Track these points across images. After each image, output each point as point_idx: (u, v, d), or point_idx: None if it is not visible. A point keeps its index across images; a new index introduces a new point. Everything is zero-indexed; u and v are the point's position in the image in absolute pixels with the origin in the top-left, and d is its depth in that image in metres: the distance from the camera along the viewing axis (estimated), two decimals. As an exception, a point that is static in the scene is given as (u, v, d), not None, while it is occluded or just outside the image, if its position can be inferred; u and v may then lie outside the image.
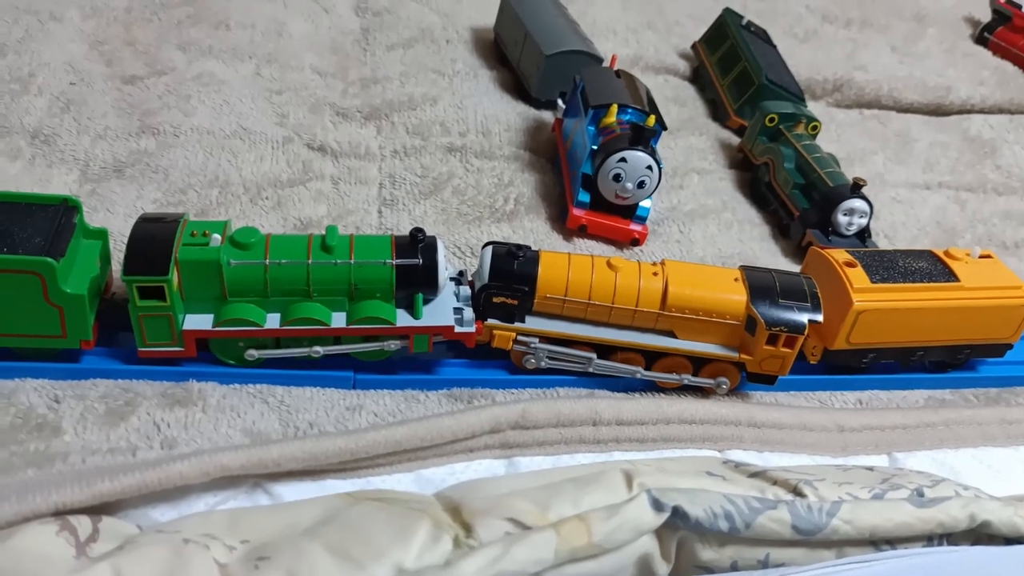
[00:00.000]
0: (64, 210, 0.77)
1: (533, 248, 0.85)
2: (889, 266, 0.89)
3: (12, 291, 0.72)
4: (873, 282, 0.86)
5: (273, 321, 0.78)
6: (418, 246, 0.79)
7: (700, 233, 1.13)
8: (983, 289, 0.89)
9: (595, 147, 1.06)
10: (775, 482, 0.65)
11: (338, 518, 0.58)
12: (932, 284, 0.88)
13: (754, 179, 1.24)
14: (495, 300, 0.82)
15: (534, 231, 1.07)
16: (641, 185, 1.04)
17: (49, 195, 0.78)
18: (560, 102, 1.25)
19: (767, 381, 0.84)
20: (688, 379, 0.84)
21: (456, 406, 0.82)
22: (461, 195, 1.10)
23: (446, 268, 0.81)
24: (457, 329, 0.81)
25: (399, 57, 1.37)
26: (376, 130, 1.20)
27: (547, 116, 1.31)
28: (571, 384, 0.86)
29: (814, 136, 1.23)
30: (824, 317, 0.81)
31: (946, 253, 0.93)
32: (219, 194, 1.02)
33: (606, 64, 1.27)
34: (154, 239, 0.75)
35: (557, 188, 1.16)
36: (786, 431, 0.78)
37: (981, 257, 0.93)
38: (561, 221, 1.10)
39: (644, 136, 1.03)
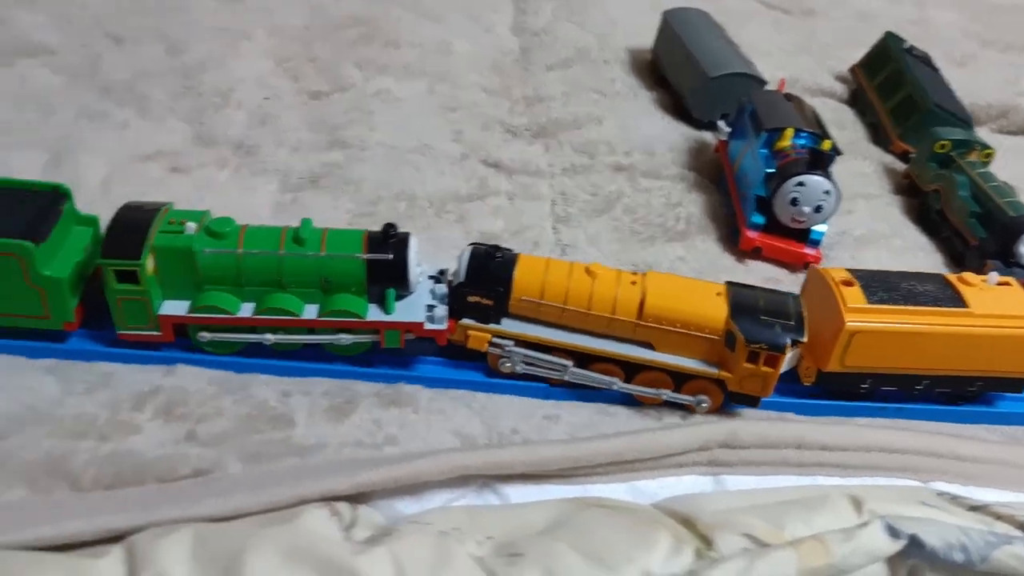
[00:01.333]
0: (54, 197, 0.81)
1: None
2: (891, 288, 0.84)
3: None
4: (870, 302, 0.82)
5: (247, 310, 0.80)
6: (389, 242, 0.79)
7: (872, 259, 1.12)
8: (995, 317, 0.83)
9: (770, 170, 1.06)
10: (999, 517, 0.64)
11: (571, 522, 0.61)
12: (935, 308, 0.82)
13: (923, 206, 1.22)
14: (470, 299, 0.82)
15: (707, 252, 1.08)
16: (818, 209, 1.04)
17: (41, 182, 0.82)
18: (722, 124, 1.27)
19: (750, 402, 0.82)
20: (668, 395, 0.82)
21: (647, 422, 0.84)
22: (632, 213, 1.12)
23: (418, 265, 0.81)
24: (427, 326, 0.80)
25: (559, 77, 1.41)
26: (544, 148, 1.24)
27: (708, 137, 1.32)
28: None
29: (987, 163, 1.21)
30: (818, 337, 0.78)
31: (959, 278, 0.87)
32: (407, 207, 1.07)
33: (769, 87, 1.28)
34: (132, 225, 0.78)
35: (724, 209, 1.17)
36: (990, 466, 0.77)
37: (1000, 284, 0.87)
38: (732, 242, 1.11)
39: (823, 160, 1.03)
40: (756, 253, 1.09)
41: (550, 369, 0.83)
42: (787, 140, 1.08)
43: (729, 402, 0.84)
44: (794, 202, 1.04)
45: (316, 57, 1.33)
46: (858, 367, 0.84)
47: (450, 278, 0.85)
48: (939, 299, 0.84)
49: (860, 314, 0.81)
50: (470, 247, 0.84)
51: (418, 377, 0.84)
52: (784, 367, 0.80)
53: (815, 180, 1.03)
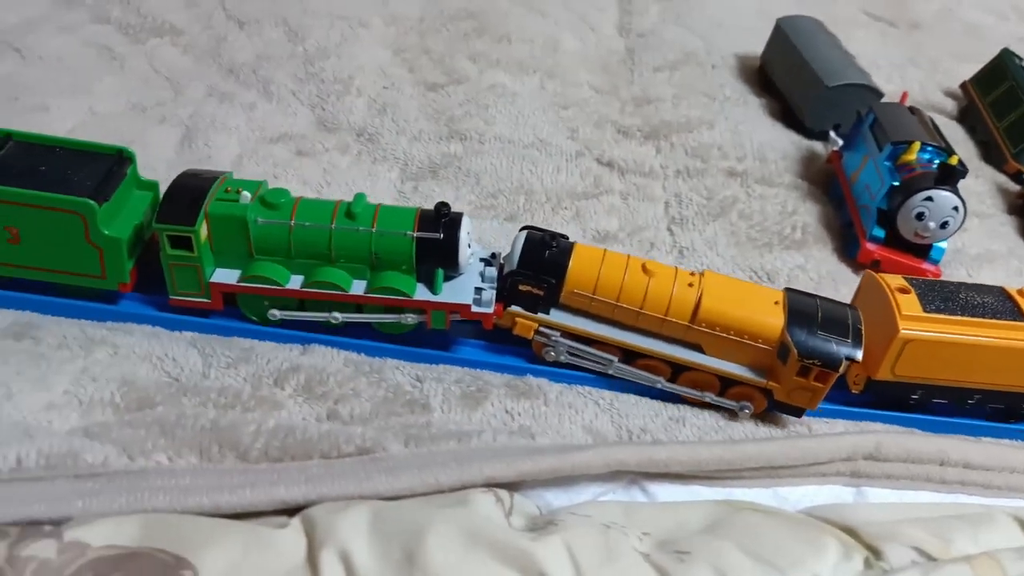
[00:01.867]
0: (118, 160, 0.81)
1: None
2: (948, 297, 0.82)
3: (59, 229, 0.76)
4: (926, 311, 0.79)
5: (296, 283, 0.80)
6: (441, 221, 0.78)
7: (989, 278, 1.10)
8: None
9: (895, 183, 1.05)
10: None
11: (731, 523, 0.61)
12: (993, 321, 0.80)
13: (1041, 227, 1.20)
14: (521, 288, 0.80)
15: (824, 262, 1.07)
16: (944, 226, 1.03)
17: (106, 145, 0.82)
18: (833, 134, 1.25)
19: (794, 412, 0.81)
20: (711, 398, 0.81)
21: (771, 431, 0.83)
22: (748, 220, 1.12)
23: (468, 246, 0.80)
24: (474, 308, 0.80)
25: (666, 79, 1.40)
26: (655, 149, 1.24)
27: (818, 146, 1.30)
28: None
29: (1110, 188, 1.18)
30: (869, 344, 0.76)
31: (1019, 292, 0.84)
32: (525, 201, 1.08)
33: (887, 99, 1.26)
34: (188, 192, 0.78)
35: (838, 220, 1.15)
36: None
37: None
38: (847, 253, 1.09)
39: (953, 176, 1.02)
40: (876, 267, 1.07)
41: (594, 362, 0.82)
42: (913, 154, 1.07)
43: (772, 409, 0.82)
44: (920, 217, 1.02)
45: (430, 49, 1.34)
46: (909, 377, 0.82)
47: (502, 262, 0.84)
48: (998, 312, 0.82)
49: (915, 322, 0.79)
50: (524, 232, 0.83)
51: (543, 371, 0.85)
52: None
53: (944, 196, 1.01)
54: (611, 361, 0.81)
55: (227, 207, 0.78)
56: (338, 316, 0.81)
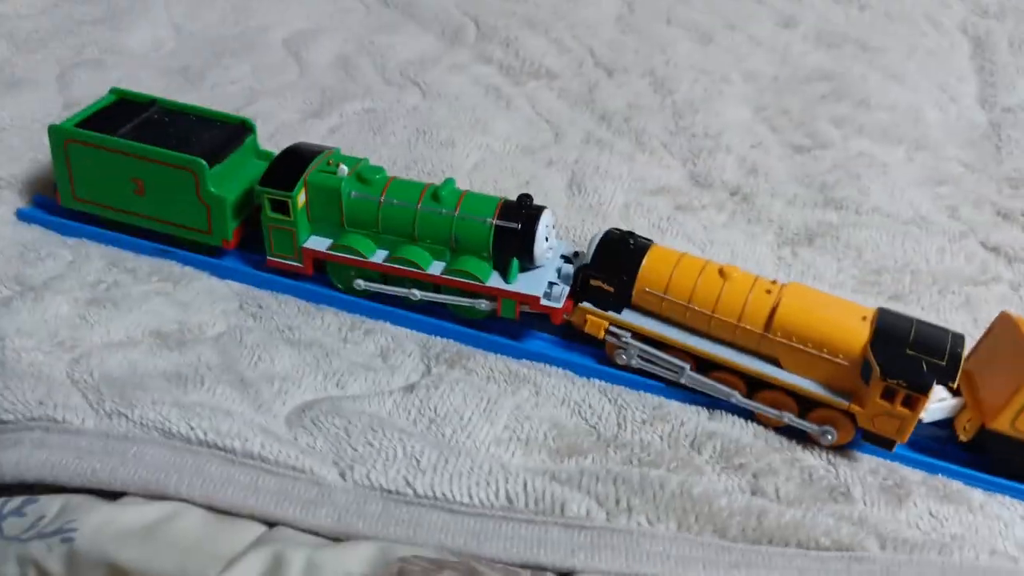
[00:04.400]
0: (240, 129, 0.90)
1: None
2: None
3: (176, 184, 0.84)
4: None
5: (380, 257, 0.83)
6: (521, 212, 0.79)
7: None
8: None
9: None
10: None
11: None
12: None
13: None
14: (592, 283, 0.77)
15: None
16: None
17: (231, 115, 0.89)
18: None
19: (885, 445, 0.72)
20: (789, 418, 0.74)
21: None
22: None
23: (546, 240, 0.80)
24: (543, 301, 0.79)
25: (1042, 159, 1.30)
26: (1042, 238, 1.14)
27: None
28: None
29: None
30: (992, 389, 0.66)
31: None
32: (910, 280, 1.02)
33: None
34: (293, 161, 0.83)
35: None
36: None
37: None
38: None
39: None
40: None
41: (666, 369, 0.78)
42: None
43: (861, 440, 0.74)
44: None
45: (788, 109, 1.32)
46: None
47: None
48: None
49: None
50: (606, 230, 0.81)
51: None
52: (937, 415, 0.70)
53: None
54: (683, 369, 0.78)
55: (325, 178, 0.82)
56: (417, 293, 0.84)
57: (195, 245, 0.90)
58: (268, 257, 0.88)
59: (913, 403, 0.69)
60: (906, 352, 0.69)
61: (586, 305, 0.82)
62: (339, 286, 0.88)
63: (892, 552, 0.62)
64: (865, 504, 0.74)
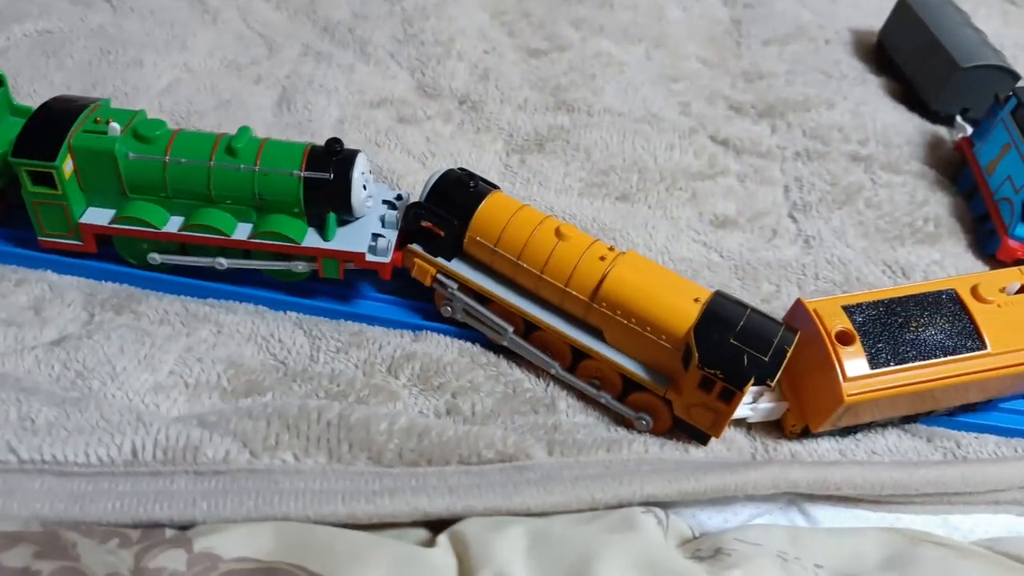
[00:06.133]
0: None
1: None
2: (897, 334, 0.70)
3: None
4: (872, 367, 0.66)
5: (175, 225, 0.72)
6: (332, 159, 0.70)
7: None
8: (1017, 352, 0.70)
9: (1046, 177, 0.96)
10: None
11: (909, 559, 0.54)
12: (949, 359, 0.69)
13: None
14: (422, 224, 0.73)
15: (960, 257, 0.99)
16: (1101, 224, 0.94)
17: None
18: (960, 119, 1.16)
19: (699, 439, 0.67)
20: (607, 399, 0.70)
21: (949, 452, 0.75)
22: (876, 209, 1.04)
23: (365, 187, 0.71)
24: (368, 257, 0.72)
25: (777, 53, 1.31)
26: (771, 129, 1.15)
27: (943, 131, 1.21)
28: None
29: None
30: (808, 394, 0.66)
31: (973, 292, 0.73)
32: (638, 179, 1.01)
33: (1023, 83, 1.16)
34: (52, 122, 0.69)
35: (969, 213, 1.07)
36: None
37: (1020, 292, 0.74)
38: (983, 249, 1.01)
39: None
40: (1019, 264, 0.98)
41: (489, 328, 0.74)
42: (1067, 145, 0.98)
43: (677, 430, 0.69)
44: (1076, 214, 0.93)
45: (530, 12, 1.26)
46: (853, 424, 0.71)
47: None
48: (953, 344, 0.70)
49: (861, 385, 0.66)
50: (445, 169, 0.75)
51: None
52: (763, 416, 0.67)
53: (1105, 192, 0.92)
54: (505, 331, 0.73)
55: (93, 140, 0.70)
56: (223, 262, 0.74)
57: None
58: (40, 238, 0.74)
59: (729, 396, 0.62)
60: (730, 341, 0.63)
61: (415, 247, 0.74)
62: (132, 261, 0.76)
63: (559, 456, 0.59)
64: (568, 416, 0.71)
